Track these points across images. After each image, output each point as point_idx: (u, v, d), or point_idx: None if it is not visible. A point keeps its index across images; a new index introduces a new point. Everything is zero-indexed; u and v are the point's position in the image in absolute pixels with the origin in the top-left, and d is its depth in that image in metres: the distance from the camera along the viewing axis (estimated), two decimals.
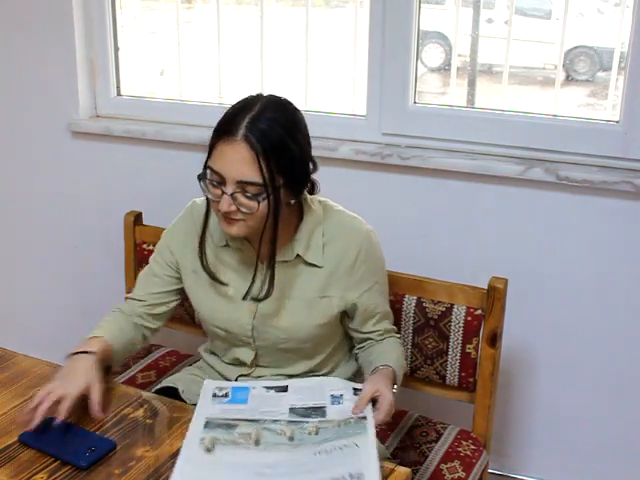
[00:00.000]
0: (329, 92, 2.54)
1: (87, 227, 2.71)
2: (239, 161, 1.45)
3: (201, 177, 1.52)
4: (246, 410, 1.46)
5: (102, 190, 2.64)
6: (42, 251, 2.83)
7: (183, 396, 1.70)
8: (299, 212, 1.64)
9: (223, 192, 1.48)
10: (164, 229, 2.16)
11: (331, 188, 2.19)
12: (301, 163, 1.54)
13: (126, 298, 1.81)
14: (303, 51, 2.32)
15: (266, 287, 1.57)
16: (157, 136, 2.46)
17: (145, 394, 1.58)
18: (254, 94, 1.55)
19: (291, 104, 1.56)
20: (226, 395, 1.51)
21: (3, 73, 2.66)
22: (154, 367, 2.22)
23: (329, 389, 1.53)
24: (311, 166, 1.59)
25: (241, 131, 1.45)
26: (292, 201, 1.56)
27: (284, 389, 1.53)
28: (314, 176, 1.63)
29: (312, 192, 1.68)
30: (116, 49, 2.57)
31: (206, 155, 1.52)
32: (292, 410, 1.46)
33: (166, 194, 2.48)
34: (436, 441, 1.89)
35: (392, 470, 1.34)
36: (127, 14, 2.60)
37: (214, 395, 1.51)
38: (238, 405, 1.48)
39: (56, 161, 2.68)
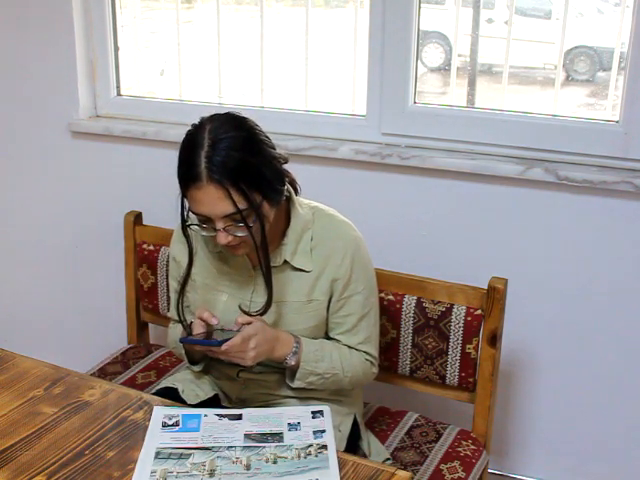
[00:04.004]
0: (329, 92, 2.54)
1: (87, 227, 2.71)
2: (215, 201, 1.47)
3: (190, 224, 1.57)
4: (198, 437, 1.41)
5: (102, 190, 2.64)
6: (42, 251, 2.83)
7: (183, 396, 1.69)
8: (286, 217, 1.65)
9: (215, 229, 1.52)
10: (164, 229, 2.18)
11: (331, 188, 2.21)
12: (270, 169, 1.54)
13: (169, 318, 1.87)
14: (303, 51, 2.32)
15: (264, 302, 1.59)
16: (157, 136, 2.46)
17: (145, 396, 1.58)
18: (196, 124, 1.53)
19: (234, 117, 1.54)
20: (177, 424, 1.45)
21: (3, 73, 2.65)
22: (154, 367, 2.22)
23: (286, 418, 1.48)
24: (282, 161, 1.59)
25: (203, 174, 1.45)
26: (276, 204, 1.57)
27: (238, 417, 1.48)
28: (292, 172, 1.65)
29: (296, 192, 1.69)
30: (116, 49, 2.57)
31: (181, 200, 1.56)
32: (247, 436, 1.41)
33: (166, 194, 2.46)
34: (436, 441, 1.89)
35: (392, 474, 1.33)
36: (127, 14, 2.60)
37: (164, 424, 1.45)
38: (190, 433, 1.42)
39: (56, 161, 2.68)
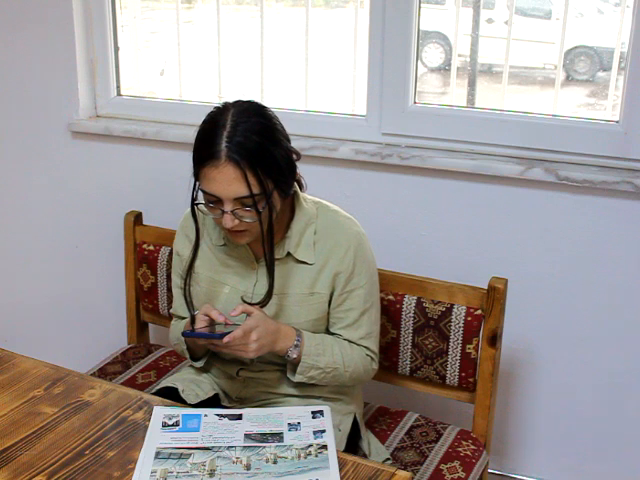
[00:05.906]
0: (329, 92, 2.54)
1: (87, 227, 2.71)
2: (230, 181, 1.48)
3: (197, 203, 1.57)
4: (198, 437, 1.41)
5: (102, 190, 2.64)
6: (42, 251, 2.83)
7: (183, 396, 1.69)
8: (291, 210, 1.66)
9: (223, 211, 1.52)
10: (164, 229, 2.18)
11: (331, 188, 2.21)
12: (285, 160, 1.56)
13: (171, 315, 1.87)
14: (303, 51, 2.32)
15: (265, 293, 1.59)
16: (157, 136, 2.46)
17: (145, 396, 1.58)
18: (219, 106, 1.56)
19: (257, 104, 1.57)
20: (177, 424, 1.45)
21: (3, 73, 2.65)
22: (154, 367, 2.22)
23: (286, 418, 1.48)
24: (294, 157, 1.61)
25: (222, 152, 1.47)
26: (285, 195, 1.59)
27: (238, 417, 1.48)
28: (298, 171, 1.65)
29: (301, 188, 1.70)
30: (116, 49, 2.57)
31: (193, 180, 1.55)
32: (247, 436, 1.42)
33: (166, 194, 2.48)
34: (436, 441, 1.89)
35: (392, 474, 1.33)
36: (127, 14, 2.60)
37: (164, 424, 1.45)
38: (190, 433, 1.42)
39: (56, 161, 2.68)
